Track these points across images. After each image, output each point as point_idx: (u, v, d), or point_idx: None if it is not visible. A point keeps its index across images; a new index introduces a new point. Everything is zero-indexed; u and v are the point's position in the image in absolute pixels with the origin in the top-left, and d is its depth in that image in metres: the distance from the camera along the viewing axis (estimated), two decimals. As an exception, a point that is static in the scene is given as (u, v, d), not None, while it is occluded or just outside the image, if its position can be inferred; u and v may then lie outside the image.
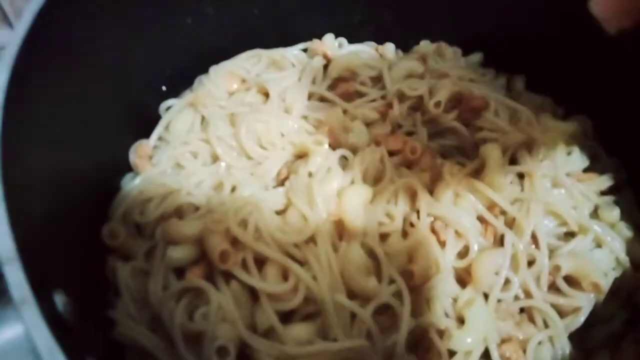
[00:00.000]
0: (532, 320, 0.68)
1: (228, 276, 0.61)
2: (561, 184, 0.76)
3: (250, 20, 0.92)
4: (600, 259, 0.71)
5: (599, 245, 0.73)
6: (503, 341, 0.65)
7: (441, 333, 0.65)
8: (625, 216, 0.78)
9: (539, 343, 0.66)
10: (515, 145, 0.79)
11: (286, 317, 0.61)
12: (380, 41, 1.03)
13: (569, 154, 0.80)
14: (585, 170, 0.81)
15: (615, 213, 0.76)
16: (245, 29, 0.91)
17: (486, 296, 0.68)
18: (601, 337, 0.70)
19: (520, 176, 0.78)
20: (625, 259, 0.72)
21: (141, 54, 0.78)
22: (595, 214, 0.77)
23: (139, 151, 0.75)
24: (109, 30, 0.73)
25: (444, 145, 0.85)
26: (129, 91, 0.78)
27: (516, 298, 0.69)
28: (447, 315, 0.67)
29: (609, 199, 0.79)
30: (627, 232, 0.75)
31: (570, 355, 0.65)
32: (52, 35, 0.60)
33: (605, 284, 0.68)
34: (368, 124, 0.86)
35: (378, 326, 0.61)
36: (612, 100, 0.86)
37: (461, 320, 0.65)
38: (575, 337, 0.68)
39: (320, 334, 0.60)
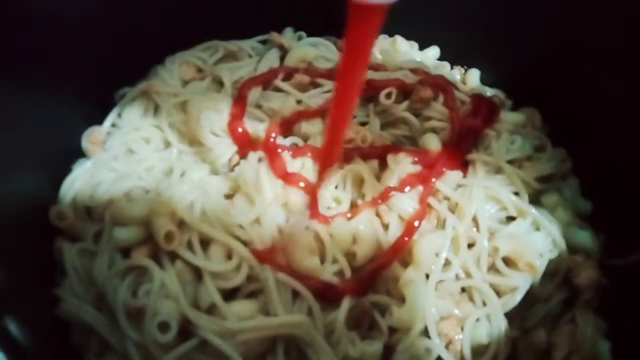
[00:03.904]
0: (471, 299, 0.71)
1: (173, 256, 0.63)
2: (503, 171, 0.79)
3: (210, 11, 0.93)
4: (537, 241, 0.74)
5: (537, 228, 0.76)
6: (442, 319, 0.68)
7: (383, 311, 0.68)
8: (567, 202, 0.81)
9: (477, 320, 0.68)
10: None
11: (230, 295, 0.63)
12: (340, 35, 1.06)
13: (512, 142, 0.83)
14: (530, 158, 0.85)
15: (554, 199, 0.80)
16: (204, 19, 0.93)
17: (428, 277, 0.70)
18: (540, 316, 0.73)
19: (466, 163, 0.81)
20: (561, 241, 0.75)
21: (96, 42, 0.79)
22: (537, 199, 0.81)
23: (92, 137, 0.76)
24: (62, 14, 0.74)
25: (395, 134, 0.88)
26: (83, 78, 0.78)
27: (457, 278, 0.71)
28: (389, 294, 0.69)
29: (551, 185, 0.83)
30: (565, 216, 0.78)
31: (505, 333, 0.68)
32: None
33: (540, 264, 0.71)
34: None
35: (320, 303, 0.63)
36: (561, 93, 0.90)
37: (402, 299, 0.68)
38: (515, 317, 0.71)
39: (262, 311, 0.62)
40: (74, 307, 0.60)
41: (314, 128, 0.83)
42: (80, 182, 0.71)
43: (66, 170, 0.74)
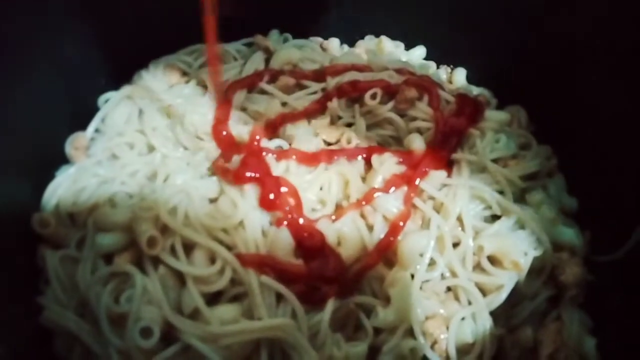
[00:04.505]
0: (457, 298, 0.71)
1: (156, 261, 0.63)
2: (487, 170, 0.79)
3: (194, 14, 0.93)
4: (522, 239, 0.74)
5: (521, 226, 0.76)
6: (427, 318, 0.68)
7: (368, 312, 0.68)
8: (552, 200, 0.82)
9: (462, 319, 0.68)
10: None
11: (214, 299, 0.63)
12: (325, 36, 1.06)
13: (497, 141, 0.83)
14: (515, 156, 0.85)
15: (539, 197, 0.80)
16: (188, 23, 0.92)
17: (413, 276, 0.70)
18: (526, 314, 0.73)
19: (450, 162, 0.81)
20: (545, 239, 0.75)
21: (79, 47, 0.79)
22: (522, 197, 0.81)
23: (75, 143, 0.76)
24: (47, 22, 0.73)
25: (382, 135, 0.88)
26: (67, 84, 0.79)
27: (442, 277, 0.71)
28: (374, 294, 0.69)
29: (536, 183, 0.83)
30: (550, 214, 0.79)
31: (491, 331, 0.68)
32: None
33: (525, 262, 0.71)
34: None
35: (304, 306, 0.63)
36: (547, 91, 0.90)
37: (388, 300, 0.68)
38: (501, 315, 0.71)
39: (246, 315, 0.62)
40: (57, 314, 0.60)
41: (299, 130, 0.83)
42: (63, 188, 0.71)
43: (49, 177, 0.74)
